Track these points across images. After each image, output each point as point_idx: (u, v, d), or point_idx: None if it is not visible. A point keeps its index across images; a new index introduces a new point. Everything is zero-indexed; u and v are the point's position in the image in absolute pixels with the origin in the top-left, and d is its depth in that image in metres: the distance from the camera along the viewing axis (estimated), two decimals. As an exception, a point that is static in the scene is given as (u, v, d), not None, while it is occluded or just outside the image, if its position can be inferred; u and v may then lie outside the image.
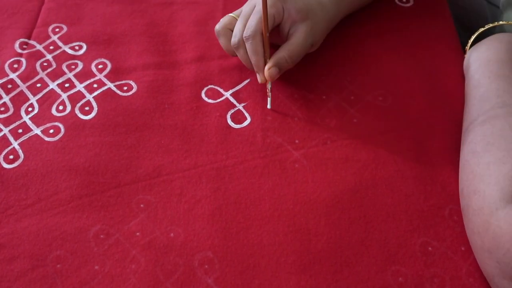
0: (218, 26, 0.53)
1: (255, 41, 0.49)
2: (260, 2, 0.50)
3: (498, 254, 0.37)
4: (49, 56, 0.58)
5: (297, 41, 0.51)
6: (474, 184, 0.42)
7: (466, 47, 0.55)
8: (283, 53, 0.50)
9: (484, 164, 0.42)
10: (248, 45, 0.50)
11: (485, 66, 0.49)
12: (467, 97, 0.50)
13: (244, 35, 0.50)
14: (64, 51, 0.59)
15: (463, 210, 0.43)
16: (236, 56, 0.53)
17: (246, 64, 0.53)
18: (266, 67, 0.50)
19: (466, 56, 0.54)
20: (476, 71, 0.50)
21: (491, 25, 0.54)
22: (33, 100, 0.54)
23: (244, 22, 0.51)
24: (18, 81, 0.56)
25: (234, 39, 0.51)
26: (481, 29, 0.54)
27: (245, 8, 0.53)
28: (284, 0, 0.50)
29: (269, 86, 0.52)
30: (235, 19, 0.53)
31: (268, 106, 0.53)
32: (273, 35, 0.51)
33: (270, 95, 0.53)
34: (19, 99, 0.54)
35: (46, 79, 0.56)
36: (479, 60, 0.51)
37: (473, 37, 0.55)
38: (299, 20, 0.51)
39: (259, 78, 0.52)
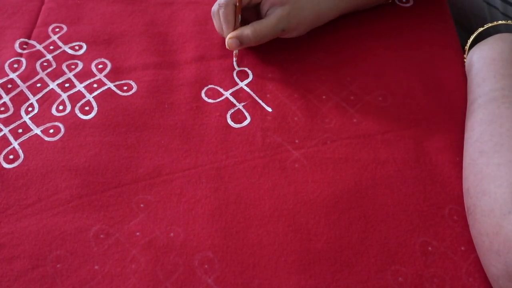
0: (213, 7, 0.56)
1: (227, 10, 0.52)
2: None
3: (508, 257, 0.37)
4: (49, 56, 0.58)
5: (267, 22, 0.52)
6: (483, 185, 0.41)
7: (466, 47, 0.55)
8: (248, 28, 0.53)
9: (494, 165, 0.41)
10: (221, 13, 0.53)
11: (489, 65, 0.49)
12: (470, 95, 0.50)
13: (219, 2, 0.52)
14: (64, 51, 0.59)
15: (469, 209, 0.43)
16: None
17: (218, 30, 0.56)
18: (228, 36, 0.53)
19: (468, 55, 0.54)
20: (480, 70, 0.50)
21: (490, 24, 0.54)
22: (33, 100, 0.54)
23: None
24: (18, 81, 0.56)
25: (214, 6, 0.54)
26: (481, 29, 0.54)
27: None
28: None
29: (235, 52, 0.56)
30: None
31: (235, 65, 0.56)
32: (252, 14, 0.54)
33: (235, 56, 0.56)
34: (19, 99, 0.54)
35: (46, 79, 0.56)
36: (483, 59, 0.51)
37: (472, 37, 0.55)
38: (278, 4, 0.52)
39: (227, 44, 0.54)
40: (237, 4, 0.52)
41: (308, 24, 0.55)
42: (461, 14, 0.68)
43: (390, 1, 0.61)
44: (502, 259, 0.38)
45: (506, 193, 0.39)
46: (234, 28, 0.53)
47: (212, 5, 0.64)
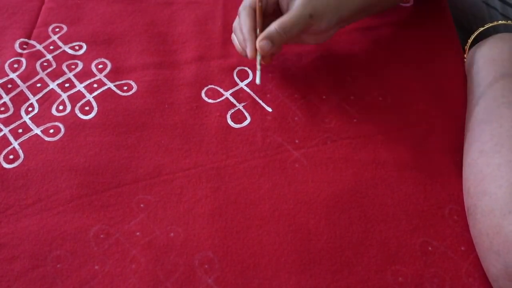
0: (234, 23, 0.52)
1: (245, 12, 0.48)
2: None
3: (507, 257, 0.37)
4: (49, 56, 0.58)
5: (292, 12, 0.48)
6: (484, 185, 0.41)
7: (466, 47, 0.55)
8: (274, 25, 0.48)
9: (494, 165, 0.41)
10: (241, 19, 0.49)
11: (489, 64, 0.49)
12: (470, 95, 0.50)
13: (238, 10, 0.49)
14: (64, 51, 0.59)
15: (469, 209, 0.43)
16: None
17: (239, 50, 0.51)
18: (258, 40, 0.49)
19: (468, 55, 0.54)
20: (480, 69, 0.50)
21: (490, 24, 0.54)
22: (33, 100, 0.54)
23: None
24: (18, 81, 0.56)
25: (234, 25, 0.51)
26: (481, 29, 0.54)
27: None
28: None
29: (258, 58, 0.50)
30: None
31: (257, 81, 0.51)
32: (276, 13, 0.50)
33: (259, 68, 0.50)
34: (19, 99, 0.54)
35: (46, 79, 0.56)
36: (483, 58, 0.51)
37: (472, 37, 0.55)
38: None
39: (249, 52, 0.50)
40: (257, 6, 0.47)
41: (333, 12, 0.49)
42: (460, 15, 0.68)
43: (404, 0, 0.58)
44: (502, 259, 0.38)
45: (507, 193, 0.39)
46: (258, 33, 0.49)
47: (212, 5, 0.64)
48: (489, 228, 0.39)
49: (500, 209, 0.39)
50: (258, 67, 0.50)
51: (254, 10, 0.48)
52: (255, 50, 0.49)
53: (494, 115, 0.45)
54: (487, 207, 0.40)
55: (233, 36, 0.53)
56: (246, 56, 0.51)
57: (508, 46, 0.50)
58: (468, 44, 0.55)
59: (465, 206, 0.44)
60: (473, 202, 0.42)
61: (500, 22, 0.54)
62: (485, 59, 0.50)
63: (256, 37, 0.49)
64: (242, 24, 0.48)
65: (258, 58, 0.50)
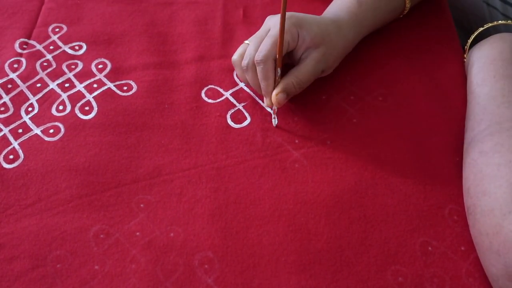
0: (234, 56, 0.52)
1: (266, 66, 0.48)
2: (275, 25, 0.49)
3: (508, 257, 0.37)
4: (49, 56, 0.58)
5: (307, 67, 0.50)
6: (483, 185, 0.41)
7: (466, 47, 0.55)
8: (291, 79, 0.49)
9: (494, 165, 0.41)
10: (259, 70, 0.49)
11: (489, 65, 0.49)
12: (470, 95, 0.50)
13: (256, 58, 0.49)
14: (64, 51, 0.59)
15: (469, 209, 0.43)
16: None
17: (255, 86, 0.51)
18: (274, 93, 0.49)
19: (468, 55, 0.54)
20: (480, 69, 0.50)
21: (490, 24, 0.54)
22: (33, 100, 0.54)
23: (256, 45, 0.50)
24: (18, 81, 0.56)
25: (244, 61, 0.50)
26: (481, 29, 0.54)
27: (259, 31, 0.52)
28: (300, 26, 0.49)
29: (275, 109, 0.51)
30: None
31: (274, 124, 0.52)
32: (284, 57, 0.50)
33: (275, 117, 0.52)
34: (19, 99, 0.54)
35: (46, 79, 0.56)
36: (483, 58, 0.51)
37: (472, 37, 0.55)
38: (313, 46, 0.50)
39: (266, 102, 0.51)
40: (278, 58, 0.48)
41: (340, 59, 0.54)
42: (460, 14, 0.68)
43: (404, 13, 0.59)
44: (502, 259, 0.38)
45: (506, 193, 0.39)
46: (274, 82, 0.49)
47: (212, 5, 0.64)
48: (489, 228, 0.39)
49: (500, 209, 0.39)
50: (274, 115, 0.52)
51: (274, 61, 0.49)
52: (271, 102, 0.50)
53: (494, 115, 0.45)
54: (487, 207, 0.40)
55: (242, 72, 0.52)
56: (248, 84, 0.53)
57: (508, 46, 0.50)
58: (468, 44, 0.55)
59: (465, 206, 0.45)
60: (472, 202, 0.42)
61: (500, 22, 0.54)
62: (485, 59, 0.50)
63: (273, 88, 0.50)
64: (263, 76, 0.49)
65: (275, 108, 0.51)
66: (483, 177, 0.42)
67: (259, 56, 0.48)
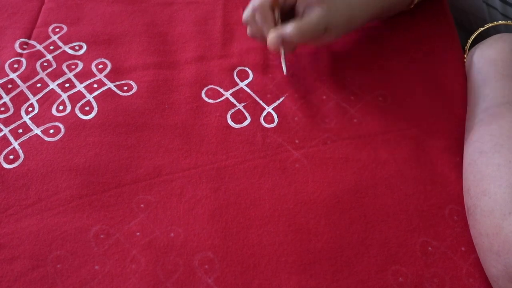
0: (243, 17, 0.53)
1: (264, 11, 0.50)
2: None
3: (507, 258, 0.37)
4: (49, 56, 0.58)
5: (309, 20, 0.49)
6: (483, 185, 0.41)
7: (466, 47, 0.55)
8: (291, 25, 0.49)
9: (493, 165, 0.41)
10: (257, 16, 0.50)
11: (490, 65, 0.49)
12: (470, 95, 0.50)
13: (253, 5, 0.50)
14: (64, 51, 0.59)
15: (469, 210, 0.43)
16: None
17: (258, 37, 0.52)
18: (270, 34, 0.50)
19: (468, 55, 0.54)
20: (480, 69, 0.50)
21: (490, 25, 0.54)
22: (33, 100, 0.54)
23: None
24: (18, 81, 0.56)
25: (245, 13, 0.51)
26: (481, 29, 0.54)
27: None
28: None
29: (282, 51, 0.52)
30: None
31: (284, 72, 0.52)
32: (287, 17, 0.51)
33: (283, 61, 0.52)
34: (19, 99, 0.54)
35: (46, 79, 0.56)
36: (483, 59, 0.51)
37: (472, 37, 0.55)
38: (315, 3, 0.50)
39: (268, 42, 0.51)
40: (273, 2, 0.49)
41: (343, 26, 0.53)
42: (461, 14, 0.68)
43: (412, 6, 0.59)
44: (502, 259, 0.38)
45: (506, 193, 0.39)
46: (275, 23, 0.50)
47: (212, 5, 0.64)
48: (489, 229, 0.39)
49: (500, 209, 0.39)
50: (283, 60, 0.52)
51: (272, 10, 0.50)
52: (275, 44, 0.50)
53: (494, 116, 0.45)
54: (487, 208, 0.40)
55: (255, 28, 0.53)
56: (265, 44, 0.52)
57: (507, 46, 0.50)
58: (468, 44, 0.55)
59: (465, 206, 0.44)
60: (472, 203, 0.42)
61: (500, 22, 0.54)
62: (485, 60, 0.50)
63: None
64: (262, 19, 0.50)
65: (282, 51, 0.52)
66: (483, 177, 0.42)
67: (255, 3, 0.50)
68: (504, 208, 0.38)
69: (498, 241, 0.38)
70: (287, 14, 0.52)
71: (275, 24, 0.50)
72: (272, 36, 0.50)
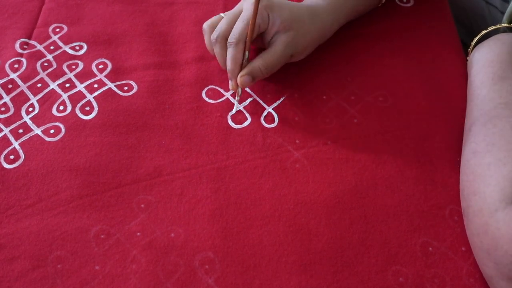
0: (205, 24, 0.54)
1: (237, 48, 0.50)
2: (248, 8, 0.50)
3: (496, 255, 0.37)
4: (49, 56, 0.58)
5: (274, 51, 0.51)
6: (474, 185, 0.42)
7: (469, 49, 0.55)
8: (258, 62, 0.50)
9: (484, 165, 0.42)
10: (229, 51, 0.50)
11: (487, 67, 0.49)
12: (469, 97, 0.50)
13: (229, 40, 0.50)
14: (64, 51, 0.59)
15: (464, 211, 0.43)
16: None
17: (221, 62, 0.53)
18: (240, 75, 0.50)
19: (470, 56, 0.54)
20: (478, 71, 0.50)
21: (493, 27, 0.54)
22: (33, 100, 0.54)
23: (228, 22, 0.51)
24: (19, 81, 0.56)
25: (214, 34, 0.52)
26: (484, 31, 0.54)
27: (234, 9, 0.53)
28: (271, 8, 0.50)
29: (239, 92, 0.53)
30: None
31: (233, 112, 0.53)
32: (255, 40, 0.52)
33: (237, 100, 0.53)
34: (20, 99, 0.54)
35: (47, 79, 0.56)
36: (482, 61, 0.51)
37: (475, 39, 0.55)
38: (282, 30, 0.50)
39: (231, 85, 0.52)
40: (247, 41, 0.50)
41: (314, 44, 0.54)
42: (460, 12, 0.68)
43: (382, 2, 0.61)
44: (492, 257, 0.38)
45: (494, 191, 0.39)
46: (242, 64, 0.51)
47: (212, 5, 0.64)
48: (479, 228, 0.39)
49: (487, 208, 0.39)
50: (237, 98, 0.53)
51: (245, 43, 0.50)
52: (237, 84, 0.51)
53: (490, 116, 0.45)
54: (477, 207, 0.40)
55: (210, 41, 0.53)
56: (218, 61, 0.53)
57: (506, 47, 0.50)
58: (471, 47, 0.55)
59: (461, 207, 0.45)
60: (466, 203, 0.43)
61: (504, 25, 0.53)
62: (483, 61, 0.50)
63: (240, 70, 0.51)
64: (232, 58, 0.50)
65: (239, 92, 0.53)
66: (475, 177, 0.42)
67: (231, 38, 0.50)
68: (492, 206, 0.39)
69: (486, 239, 0.38)
70: (255, 38, 0.52)
71: (242, 62, 0.51)
72: (244, 78, 0.50)
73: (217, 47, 0.52)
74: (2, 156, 0.50)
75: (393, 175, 0.48)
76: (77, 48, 0.59)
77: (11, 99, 0.54)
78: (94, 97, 0.54)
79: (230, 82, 0.52)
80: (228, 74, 0.52)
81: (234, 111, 0.53)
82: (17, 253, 0.43)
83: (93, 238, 0.44)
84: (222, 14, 0.54)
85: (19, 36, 0.60)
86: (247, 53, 0.50)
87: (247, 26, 0.49)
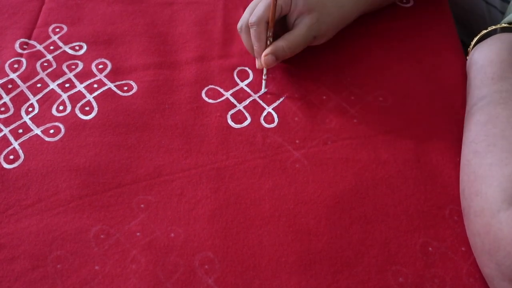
0: (239, 23, 0.54)
1: (259, 28, 0.51)
2: None
3: (498, 256, 0.37)
4: (49, 56, 0.58)
5: (298, 32, 0.52)
6: (476, 185, 0.41)
7: (469, 49, 0.55)
8: (282, 42, 0.52)
9: (486, 165, 0.41)
10: (252, 31, 0.52)
11: (487, 66, 0.49)
12: (468, 96, 0.50)
13: (249, 21, 0.51)
14: (64, 51, 0.59)
15: (464, 211, 0.43)
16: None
17: (248, 48, 0.54)
18: (263, 54, 0.52)
19: (469, 55, 0.54)
20: (478, 71, 0.50)
21: (493, 27, 0.54)
22: (33, 100, 0.54)
23: (251, 9, 0.53)
24: (19, 81, 0.56)
25: (239, 23, 0.53)
26: (484, 31, 0.54)
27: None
28: None
29: (264, 71, 0.54)
30: None
31: (262, 89, 0.54)
32: (279, 25, 0.53)
33: (265, 78, 0.54)
34: (20, 99, 0.54)
35: (47, 79, 0.56)
36: (481, 60, 0.51)
37: (475, 39, 0.54)
38: (306, 12, 0.51)
39: (257, 64, 0.54)
40: (270, 21, 0.51)
41: (335, 28, 0.55)
42: (460, 12, 0.68)
43: (404, 1, 0.61)
44: (494, 258, 0.38)
45: (496, 191, 0.39)
46: (266, 45, 0.52)
47: (212, 5, 0.64)
48: (480, 228, 0.39)
49: (489, 208, 0.39)
50: (265, 77, 0.54)
51: (267, 24, 0.51)
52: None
53: (490, 116, 0.45)
54: (478, 207, 0.40)
55: (243, 36, 0.55)
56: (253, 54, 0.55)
57: (506, 47, 0.50)
58: (471, 46, 0.55)
59: (461, 207, 0.45)
60: (467, 203, 0.43)
61: (503, 24, 0.53)
62: (483, 61, 0.50)
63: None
64: (255, 37, 0.52)
65: (264, 71, 0.54)
66: (476, 178, 0.42)
67: (252, 18, 0.51)
68: (494, 206, 0.39)
69: (488, 240, 0.38)
70: (279, 25, 0.53)
71: (267, 42, 0.52)
72: (267, 58, 0.52)
73: (243, 35, 0.54)
74: (2, 156, 0.50)
75: (393, 175, 0.48)
76: (77, 48, 0.59)
77: (10, 99, 0.54)
78: (94, 97, 0.54)
79: (256, 61, 0.54)
80: (254, 53, 0.53)
81: (262, 91, 0.54)
82: (17, 253, 0.43)
83: (93, 238, 0.44)
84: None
85: (19, 36, 0.60)
86: (270, 33, 0.51)
87: (269, 7, 0.50)
